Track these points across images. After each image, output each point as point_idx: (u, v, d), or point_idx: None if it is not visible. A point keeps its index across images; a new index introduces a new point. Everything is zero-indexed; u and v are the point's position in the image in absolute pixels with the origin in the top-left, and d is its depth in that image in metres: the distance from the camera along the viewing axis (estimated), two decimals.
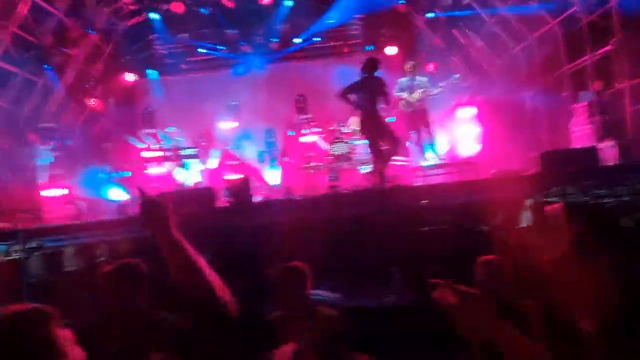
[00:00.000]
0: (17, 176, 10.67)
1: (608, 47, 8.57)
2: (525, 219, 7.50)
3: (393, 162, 8.63)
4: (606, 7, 8.59)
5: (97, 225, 6.77)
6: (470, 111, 12.99)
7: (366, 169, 11.93)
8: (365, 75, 8.01)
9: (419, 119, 9.84)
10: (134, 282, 3.18)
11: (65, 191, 10.88)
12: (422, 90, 9.75)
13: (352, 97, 8.15)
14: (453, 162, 10.08)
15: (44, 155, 10.97)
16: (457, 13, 11.77)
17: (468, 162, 9.61)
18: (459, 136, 12.73)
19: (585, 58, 9.58)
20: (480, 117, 12.96)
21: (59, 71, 12.78)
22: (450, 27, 12.32)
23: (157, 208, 2.05)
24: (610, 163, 6.78)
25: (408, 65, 10.12)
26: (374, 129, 7.84)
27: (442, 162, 9.89)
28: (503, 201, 6.80)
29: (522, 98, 12.12)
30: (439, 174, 8.19)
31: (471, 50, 13.04)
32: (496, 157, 12.09)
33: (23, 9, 11.12)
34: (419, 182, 8.61)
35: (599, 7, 8.78)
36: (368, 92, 7.91)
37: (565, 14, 9.72)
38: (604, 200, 5.86)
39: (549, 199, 6.49)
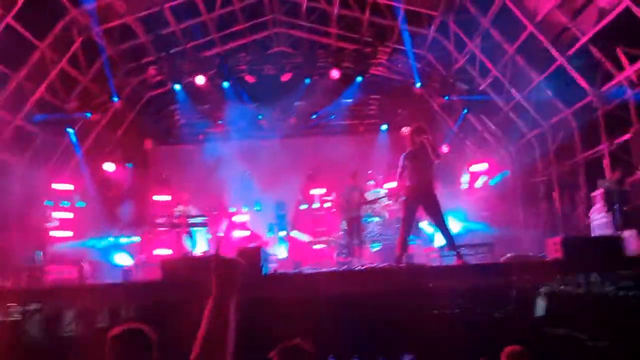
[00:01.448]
0: (26, 235, 10.63)
1: (627, 136, 8.59)
2: (540, 308, 7.20)
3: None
4: (623, 98, 8.71)
5: (100, 289, 6.59)
6: (484, 195, 12.99)
7: (377, 246, 11.74)
8: (410, 149, 7.21)
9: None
10: (143, 349, 2.98)
11: (72, 252, 10.78)
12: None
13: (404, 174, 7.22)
14: (468, 244, 9.87)
15: (55, 217, 10.97)
16: (472, 98, 12.03)
17: (483, 244, 9.40)
18: (473, 217, 12.62)
19: (601, 147, 9.60)
20: (494, 201, 12.92)
21: (80, 134, 13.11)
22: (465, 111, 12.54)
23: (234, 269, 1.94)
24: (633, 253, 6.56)
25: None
26: (427, 202, 6.93)
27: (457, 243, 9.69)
28: (519, 287, 6.55)
29: (536, 184, 12.08)
30: (453, 256, 7.98)
31: (486, 135, 13.20)
32: (510, 240, 11.89)
33: (53, 75, 11.60)
34: (433, 263, 8.39)
35: (616, 98, 8.91)
36: (420, 164, 7.04)
37: (579, 104, 9.87)
38: (630, 293, 5.60)
39: (569, 287, 6.24)
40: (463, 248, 8.05)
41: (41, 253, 10.69)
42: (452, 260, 7.11)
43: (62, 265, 9.97)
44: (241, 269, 1.93)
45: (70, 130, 12.39)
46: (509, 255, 8.67)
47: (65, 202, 13.01)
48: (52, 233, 11.93)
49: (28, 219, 11.45)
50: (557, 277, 6.35)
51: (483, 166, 12.95)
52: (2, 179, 11.62)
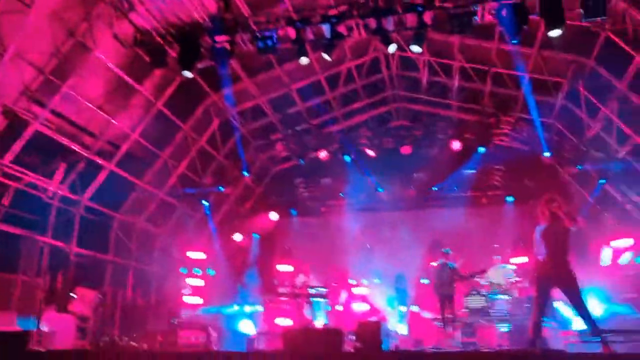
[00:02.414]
0: (164, 301, 11.45)
1: None
2: None
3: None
4: None
5: (224, 356, 6.79)
6: (631, 274, 11.59)
7: (506, 327, 10.86)
8: (546, 221, 6.57)
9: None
10: None
11: (202, 319, 11.34)
12: None
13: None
14: (614, 330, 8.74)
15: (188, 283, 11.71)
16: (610, 167, 11.09)
17: (635, 330, 8.25)
18: (617, 299, 11.27)
19: None
20: None
21: (213, 207, 14.17)
22: (602, 181, 11.55)
23: None
24: None
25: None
26: (562, 280, 6.31)
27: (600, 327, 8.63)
28: None
29: None
30: (597, 342, 7.08)
31: (628, 207, 11.97)
32: None
33: (193, 152, 12.85)
34: (572, 349, 7.52)
35: None
36: (553, 237, 6.47)
37: None
38: None
39: None
40: (609, 334, 7.14)
41: (176, 319, 11.38)
42: (597, 348, 6.31)
43: (191, 331, 10.50)
44: None
45: (205, 202, 13.45)
46: None
47: (197, 269, 13.92)
48: (185, 299, 12.70)
49: (166, 285, 12.37)
50: None
51: (628, 242, 11.66)
52: (147, 247, 12.84)
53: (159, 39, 9.31)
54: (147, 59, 9.51)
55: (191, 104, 12.25)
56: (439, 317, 11.34)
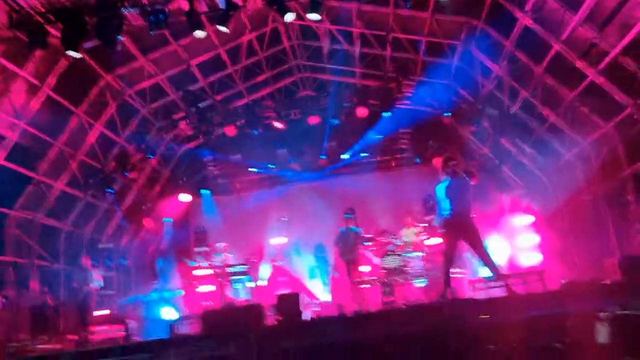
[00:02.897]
0: (71, 297, 10.84)
1: None
2: (603, 334, 6.74)
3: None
4: None
5: (147, 346, 6.56)
6: (528, 219, 12.56)
7: (421, 282, 11.40)
8: (447, 178, 6.88)
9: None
10: None
11: (118, 310, 10.91)
12: None
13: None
14: (516, 273, 9.47)
15: (96, 277, 11.16)
16: (503, 123, 11.78)
17: (532, 271, 8.99)
18: (517, 245, 12.22)
19: None
20: (538, 225, 12.46)
21: (119, 194, 13.47)
22: (498, 137, 12.28)
23: None
24: None
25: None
26: (466, 232, 6.62)
27: (503, 273, 9.32)
28: (577, 315, 6.17)
29: (581, 203, 11.61)
30: (501, 286, 7.63)
31: (522, 158, 12.87)
32: (561, 265, 11.37)
33: (91, 138, 12.07)
34: (479, 296, 8.05)
35: None
36: (454, 193, 6.74)
37: (619, 117, 9.53)
38: None
39: (631, 312, 5.84)
40: (511, 277, 7.71)
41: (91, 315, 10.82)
42: (501, 292, 6.79)
43: (109, 325, 10.08)
44: None
45: (110, 190, 12.73)
46: (563, 282, 8.27)
47: (109, 260, 13.28)
48: (98, 293, 12.09)
49: (75, 281, 11.70)
50: (618, 300, 5.98)
51: (521, 191, 12.61)
52: (50, 244, 12.03)
53: (38, 17, 8.51)
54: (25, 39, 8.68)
55: (83, 86, 11.43)
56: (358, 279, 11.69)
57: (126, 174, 12.68)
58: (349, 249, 10.79)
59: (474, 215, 9.33)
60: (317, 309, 10.58)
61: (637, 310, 5.66)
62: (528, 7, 9.27)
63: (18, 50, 9.23)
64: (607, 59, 8.86)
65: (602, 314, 6.24)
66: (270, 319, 6.74)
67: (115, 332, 9.95)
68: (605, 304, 5.85)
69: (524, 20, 9.54)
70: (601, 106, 9.76)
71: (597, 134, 10.29)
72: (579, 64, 9.35)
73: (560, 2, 8.83)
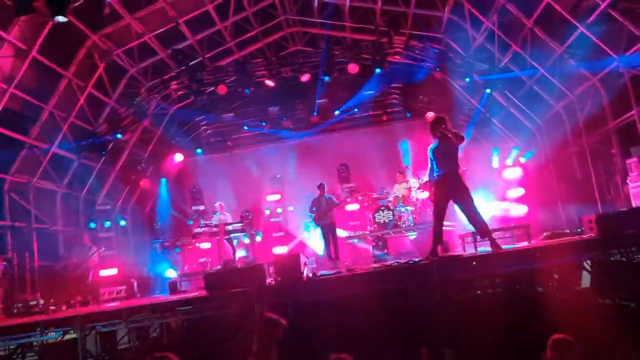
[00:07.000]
0: (74, 260, 11.09)
1: None
2: (586, 279, 7.13)
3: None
4: None
5: (149, 308, 6.85)
6: (516, 172, 12.83)
7: (413, 235, 11.77)
8: (436, 140, 6.97)
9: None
10: None
11: (117, 271, 11.18)
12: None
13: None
14: (503, 227, 9.81)
15: (99, 239, 11.39)
16: (494, 76, 11.83)
17: (518, 225, 9.32)
18: (505, 197, 12.55)
19: (632, 112, 9.36)
20: (526, 178, 12.76)
21: (112, 156, 13.52)
22: (488, 91, 12.32)
23: (275, 327, 2.76)
24: None
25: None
26: (455, 191, 6.78)
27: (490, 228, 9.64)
28: (559, 264, 6.51)
29: (568, 156, 11.86)
30: (488, 241, 7.95)
31: (512, 111, 12.99)
32: (546, 218, 11.74)
33: (81, 100, 11.99)
34: (468, 250, 8.40)
35: None
36: (444, 154, 6.87)
37: (605, 71, 9.63)
38: None
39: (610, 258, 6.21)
40: (497, 232, 8.01)
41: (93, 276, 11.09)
42: (487, 248, 7.09)
43: (112, 286, 10.39)
44: (282, 327, 2.41)
45: (103, 152, 12.78)
46: (545, 234, 8.62)
47: (107, 222, 13.49)
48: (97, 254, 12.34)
49: (74, 243, 11.92)
50: (596, 253, 6.31)
51: (512, 143, 12.83)
52: (47, 207, 12.16)
53: None
54: (9, 3, 8.49)
55: (70, 48, 11.27)
56: (353, 234, 12.05)
57: (119, 136, 12.67)
58: (324, 213, 11.16)
59: (464, 169, 9.60)
60: (313, 264, 10.93)
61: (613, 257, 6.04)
62: None
63: (2, 15, 9.05)
64: (596, 12, 8.87)
65: (585, 261, 6.62)
66: (270, 279, 7.00)
67: (120, 292, 10.28)
68: (583, 255, 6.21)
69: None
70: (589, 59, 9.83)
71: (583, 87, 10.41)
72: (569, 17, 9.36)
73: None
